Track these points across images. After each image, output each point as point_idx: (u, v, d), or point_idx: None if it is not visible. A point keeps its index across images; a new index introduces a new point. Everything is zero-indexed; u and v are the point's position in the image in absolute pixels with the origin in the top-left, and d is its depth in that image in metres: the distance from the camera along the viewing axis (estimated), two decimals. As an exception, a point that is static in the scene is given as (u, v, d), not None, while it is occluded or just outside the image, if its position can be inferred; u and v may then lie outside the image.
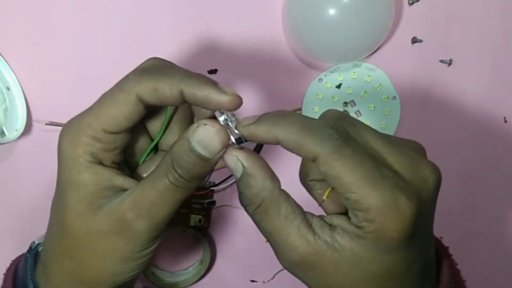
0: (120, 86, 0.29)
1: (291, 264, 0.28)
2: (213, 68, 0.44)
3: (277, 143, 0.27)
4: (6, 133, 0.42)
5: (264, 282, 0.47)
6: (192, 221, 0.43)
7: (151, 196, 0.28)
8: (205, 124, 0.27)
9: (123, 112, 0.28)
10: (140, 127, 0.32)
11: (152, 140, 0.33)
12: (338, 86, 0.44)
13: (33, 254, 0.33)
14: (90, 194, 0.28)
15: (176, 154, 0.28)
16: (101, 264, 0.29)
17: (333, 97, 0.45)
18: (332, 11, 0.39)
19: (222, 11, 0.43)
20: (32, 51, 0.43)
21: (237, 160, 0.28)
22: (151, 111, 0.31)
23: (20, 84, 0.43)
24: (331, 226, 0.27)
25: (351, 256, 0.26)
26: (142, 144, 0.33)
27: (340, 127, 0.26)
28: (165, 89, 0.27)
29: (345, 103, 0.45)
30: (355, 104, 0.45)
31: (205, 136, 0.27)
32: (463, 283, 0.33)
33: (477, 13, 0.44)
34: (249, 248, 0.46)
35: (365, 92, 0.44)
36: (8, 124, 0.42)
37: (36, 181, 0.45)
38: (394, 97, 0.45)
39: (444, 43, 0.45)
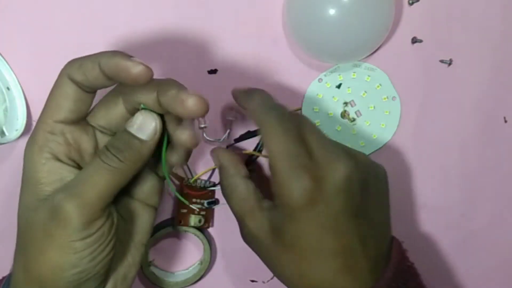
0: (58, 76, 0.31)
1: (246, 239, 0.37)
2: (213, 68, 0.44)
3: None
4: (6, 133, 0.42)
5: (264, 282, 0.47)
6: (192, 221, 0.43)
7: (82, 178, 0.29)
8: (143, 109, 0.31)
9: (62, 95, 0.30)
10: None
11: None
12: (338, 86, 0.45)
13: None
14: (43, 191, 0.30)
15: (114, 140, 0.30)
16: (43, 255, 0.29)
17: (333, 97, 0.45)
18: (332, 11, 0.39)
19: (222, 11, 0.43)
20: (32, 51, 0.43)
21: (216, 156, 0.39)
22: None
23: (20, 84, 0.43)
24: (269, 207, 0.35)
25: (270, 225, 0.34)
26: (145, 178, 0.36)
27: (291, 115, 0.35)
28: (88, 64, 0.29)
29: (345, 103, 0.45)
30: (355, 104, 0.45)
31: (137, 119, 0.30)
32: (413, 265, 0.37)
33: (477, 13, 0.44)
34: (249, 248, 0.46)
35: (365, 92, 0.44)
36: (8, 124, 0.42)
37: (36, 181, 0.45)
38: (394, 97, 0.45)
39: (444, 43, 0.45)
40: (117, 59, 0.28)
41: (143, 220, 0.35)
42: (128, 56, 0.29)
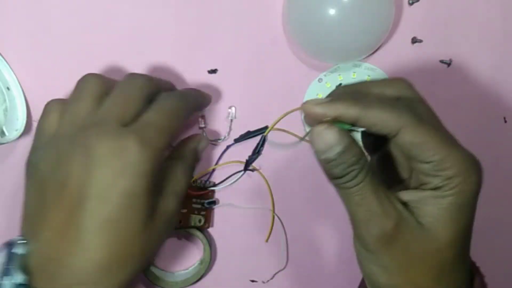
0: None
1: (376, 238, 0.29)
2: (213, 68, 0.44)
3: (356, 120, 0.29)
4: (6, 133, 0.42)
5: (264, 282, 0.47)
6: (192, 221, 0.43)
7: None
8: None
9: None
10: None
11: None
12: (338, 86, 0.44)
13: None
14: None
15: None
16: None
17: (333, 97, 0.45)
18: (332, 11, 0.39)
19: (222, 11, 0.43)
20: (32, 51, 0.43)
21: (339, 133, 0.28)
22: None
23: (20, 84, 0.43)
24: (402, 202, 0.30)
25: (431, 221, 0.29)
26: None
27: (416, 102, 0.31)
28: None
29: (345, 103, 0.45)
30: (355, 104, 0.45)
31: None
32: None
33: (477, 13, 0.44)
34: (249, 248, 0.46)
35: (365, 92, 0.44)
36: (8, 124, 0.42)
37: (36, 181, 0.45)
38: (394, 97, 0.45)
39: (444, 43, 0.45)
40: None
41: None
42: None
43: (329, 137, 0.28)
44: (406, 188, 0.32)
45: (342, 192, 0.29)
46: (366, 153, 0.30)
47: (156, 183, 0.31)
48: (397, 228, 0.28)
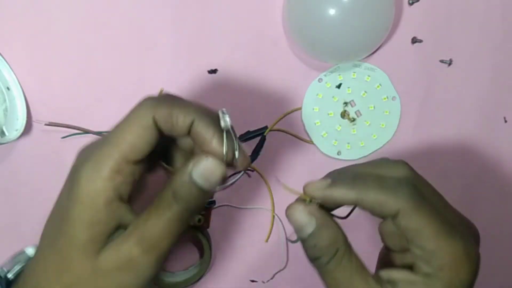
0: (136, 113, 0.28)
1: None
2: (213, 68, 0.44)
3: (355, 203, 0.28)
4: (6, 133, 0.42)
5: (264, 282, 0.47)
6: (191, 221, 0.43)
7: (155, 231, 0.28)
8: (207, 158, 0.28)
9: (142, 137, 0.28)
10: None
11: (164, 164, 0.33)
12: (338, 86, 0.45)
13: (4, 284, 0.31)
14: (100, 233, 0.28)
15: (177, 187, 0.28)
16: None
17: (333, 97, 0.45)
18: (332, 11, 0.39)
19: (222, 11, 0.43)
20: (32, 51, 0.43)
21: (309, 214, 0.28)
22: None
23: (20, 84, 0.43)
24: (391, 281, 0.28)
25: None
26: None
27: (416, 185, 0.29)
28: (179, 117, 0.28)
29: (345, 103, 0.45)
30: (355, 104, 0.45)
31: (205, 169, 0.28)
32: None
33: (477, 13, 0.44)
34: (249, 248, 0.46)
35: (365, 92, 0.44)
36: (8, 124, 0.42)
37: (36, 181, 0.45)
38: (394, 97, 0.45)
39: (444, 43, 0.45)
40: (210, 135, 0.28)
41: None
42: (221, 136, 0.28)
43: (299, 217, 0.28)
44: (396, 260, 0.31)
45: (317, 270, 0.29)
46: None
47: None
48: None
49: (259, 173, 0.45)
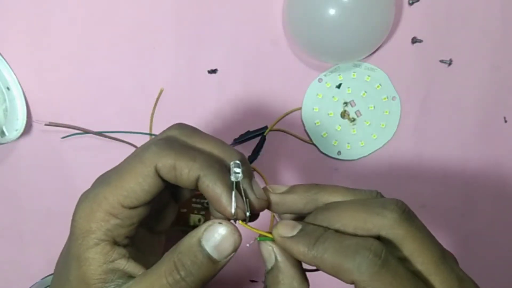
0: (139, 157, 0.27)
1: None
2: (213, 68, 0.44)
3: (316, 266, 0.26)
4: (6, 133, 0.42)
5: (264, 282, 0.47)
6: (192, 221, 0.43)
7: None
8: (220, 223, 0.26)
9: (141, 185, 0.27)
10: (164, 194, 0.31)
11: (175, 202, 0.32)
12: (338, 86, 0.45)
13: None
14: (90, 273, 0.27)
15: (183, 252, 0.26)
16: None
17: (333, 97, 0.45)
18: (332, 11, 0.39)
19: (222, 11, 0.43)
20: (32, 51, 0.43)
21: (271, 251, 0.27)
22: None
23: (20, 84, 0.43)
24: None
25: None
26: (167, 211, 0.32)
27: (379, 248, 0.24)
28: (184, 171, 0.26)
29: (345, 103, 0.45)
30: (355, 104, 0.45)
31: (217, 236, 0.26)
32: None
33: (477, 13, 0.44)
34: (249, 248, 0.46)
35: (365, 92, 0.44)
36: (8, 124, 0.42)
37: (36, 181, 0.45)
38: (394, 97, 0.45)
39: (444, 43, 0.45)
40: (219, 191, 0.26)
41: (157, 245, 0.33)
42: (229, 191, 0.26)
43: (264, 251, 0.28)
44: None
45: None
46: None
47: None
48: None
49: (259, 173, 0.45)
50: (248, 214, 0.26)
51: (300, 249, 0.25)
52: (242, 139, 0.44)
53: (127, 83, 0.44)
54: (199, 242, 0.26)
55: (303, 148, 0.45)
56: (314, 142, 0.45)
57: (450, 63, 0.45)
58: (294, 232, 0.26)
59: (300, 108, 0.45)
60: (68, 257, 0.27)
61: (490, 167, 0.47)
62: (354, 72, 0.44)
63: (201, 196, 0.44)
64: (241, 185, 0.26)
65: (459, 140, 0.46)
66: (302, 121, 0.45)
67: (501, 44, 0.45)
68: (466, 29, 0.45)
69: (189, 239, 0.26)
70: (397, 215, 0.25)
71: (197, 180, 0.26)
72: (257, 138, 0.44)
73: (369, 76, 0.44)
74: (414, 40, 0.44)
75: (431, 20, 0.44)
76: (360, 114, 0.45)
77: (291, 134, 0.45)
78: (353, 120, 0.45)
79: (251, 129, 0.44)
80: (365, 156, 0.45)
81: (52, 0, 0.42)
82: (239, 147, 0.45)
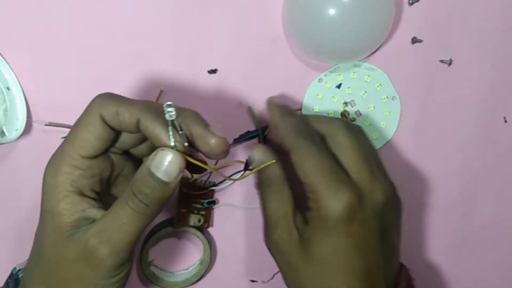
0: (86, 109, 0.31)
1: (271, 242, 0.36)
2: (213, 68, 0.44)
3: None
4: (6, 133, 0.42)
5: (263, 282, 0.47)
6: (192, 221, 0.43)
7: (112, 223, 0.29)
8: (163, 150, 0.29)
9: (92, 133, 0.30)
10: (122, 156, 0.34)
11: (139, 163, 0.34)
12: (338, 86, 0.45)
13: (14, 280, 0.34)
14: (64, 223, 0.30)
15: (136, 180, 0.30)
16: None
17: (333, 97, 0.45)
18: (332, 11, 0.39)
19: (222, 11, 0.43)
20: (32, 51, 0.43)
21: (262, 152, 0.36)
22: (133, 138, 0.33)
23: (20, 84, 0.43)
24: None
25: (300, 235, 0.34)
26: (128, 170, 0.35)
27: (315, 135, 0.35)
28: (125, 115, 0.29)
29: (345, 103, 0.45)
30: (355, 104, 0.45)
31: (163, 161, 0.29)
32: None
33: (477, 13, 0.44)
34: (249, 248, 0.46)
35: (365, 92, 0.44)
36: (8, 124, 0.42)
37: (36, 181, 0.45)
38: (394, 97, 0.45)
39: (444, 43, 0.45)
40: (158, 130, 0.29)
41: None
42: (167, 129, 0.29)
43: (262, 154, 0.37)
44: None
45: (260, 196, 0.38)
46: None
47: None
48: (282, 239, 0.35)
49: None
50: (186, 144, 0.30)
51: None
52: (242, 139, 0.44)
53: (127, 83, 0.44)
54: (149, 170, 0.29)
55: (303, 148, 0.45)
56: (314, 142, 0.45)
57: (450, 63, 0.45)
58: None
59: (300, 108, 0.45)
60: (42, 212, 0.31)
61: (490, 167, 0.47)
62: (354, 72, 0.44)
63: (201, 196, 0.44)
64: (176, 122, 0.29)
65: (459, 140, 0.46)
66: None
67: (501, 44, 0.45)
68: (466, 29, 0.45)
69: (141, 170, 0.30)
70: (342, 124, 0.36)
71: (138, 122, 0.29)
72: (257, 138, 0.44)
73: (369, 76, 0.44)
74: (414, 40, 0.44)
75: (431, 20, 0.44)
76: (360, 114, 0.45)
77: (291, 134, 0.45)
78: (353, 120, 0.45)
79: (251, 129, 0.44)
80: (365, 156, 0.45)
81: (52, 0, 0.42)
82: (239, 147, 0.45)
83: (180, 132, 0.30)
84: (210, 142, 0.30)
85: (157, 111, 0.30)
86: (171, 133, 0.29)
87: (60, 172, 0.30)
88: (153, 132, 0.29)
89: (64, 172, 0.30)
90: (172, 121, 0.29)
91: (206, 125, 0.31)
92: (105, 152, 0.32)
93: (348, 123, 0.37)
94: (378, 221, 0.33)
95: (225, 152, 0.31)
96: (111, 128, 0.30)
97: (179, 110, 0.30)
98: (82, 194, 0.30)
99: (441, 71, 0.45)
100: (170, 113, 0.28)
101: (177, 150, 0.29)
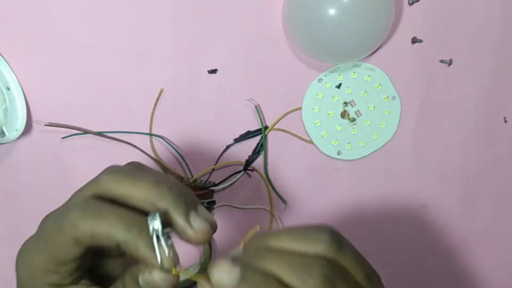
0: (59, 226, 0.27)
1: None
2: (213, 68, 0.44)
3: None
4: (6, 133, 0.42)
5: None
6: (192, 221, 0.43)
7: None
8: (150, 273, 0.27)
9: (64, 252, 0.27)
10: None
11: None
12: (338, 86, 0.45)
13: None
14: None
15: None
16: None
17: (333, 97, 0.45)
18: (332, 11, 0.39)
19: (222, 11, 0.43)
20: (32, 51, 0.43)
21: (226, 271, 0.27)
22: None
23: (20, 84, 0.43)
24: None
25: None
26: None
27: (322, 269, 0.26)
28: (103, 239, 0.26)
29: (345, 103, 0.45)
30: (355, 104, 0.45)
31: (153, 279, 0.27)
32: None
33: (477, 13, 0.44)
34: (249, 248, 0.46)
35: (365, 92, 0.44)
36: (8, 124, 0.42)
37: (36, 181, 0.45)
38: (394, 97, 0.45)
39: (444, 43, 0.45)
40: (142, 254, 0.26)
41: None
42: (153, 251, 0.26)
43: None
44: None
45: None
46: None
47: None
48: None
49: (259, 173, 0.45)
50: (178, 259, 0.28)
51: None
52: (242, 139, 0.44)
53: (127, 83, 0.44)
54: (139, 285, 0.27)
55: (303, 148, 0.45)
56: (314, 142, 0.45)
57: (450, 63, 0.45)
58: (233, 278, 0.27)
59: (300, 108, 0.45)
60: None
61: (490, 167, 0.47)
62: (354, 72, 0.44)
63: (200, 196, 0.44)
64: (162, 236, 0.27)
65: (459, 140, 0.46)
66: (302, 121, 0.45)
67: (501, 44, 0.45)
68: (466, 29, 0.45)
69: (129, 283, 0.28)
70: (330, 239, 0.26)
71: (118, 245, 0.26)
72: (257, 138, 0.44)
73: (369, 76, 0.44)
74: (414, 40, 0.44)
75: (431, 20, 0.44)
76: (360, 114, 0.45)
77: (291, 134, 0.45)
78: (353, 120, 0.45)
79: (251, 129, 0.44)
80: (365, 156, 0.45)
81: (52, 0, 0.42)
82: (239, 147, 0.45)
83: (168, 242, 0.27)
84: (189, 236, 0.28)
85: (138, 227, 0.26)
86: (158, 253, 0.27)
87: (34, 276, 0.28)
88: (136, 255, 0.26)
89: (40, 275, 0.28)
90: (157, 234, 0.26)
91: (186, 214, 0.28)
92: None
93: (333, 234, 0.27)
94: None
95: (207, 241, 0.28)
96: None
97: (160, 197, 0.27)
98: (62, 285, 0.28)
99: (441, 71, 0.45)
100: (155, 230, 0.26)
101: (166, 269, 0.27)
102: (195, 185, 0.44)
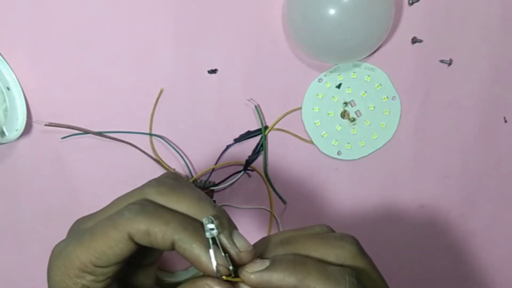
0: (113, 221, 0.27)
1: None
2: (213, 68, 0.44)
3: None
4: (6, 133, 0.42)
5: None
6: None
7: None
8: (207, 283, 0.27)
9: (113, 249, 0.27)
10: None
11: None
12: (338, 86, 0.45)
13: None
14: None
15: None
16: None
17: (333, 97, 0.45)
18: (332, 11, 0.39)
19: (222, 11, 0.43)
20: (32, 51, 0.43)
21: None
22: None
23: (20, 84, 0.43)
24: None
25: None
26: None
27: (360, 276, 0.27)
28: (158, 236, 0.26)
29: (345, 103, 0.45)
30: (355, 104, 0.45)
31: None
32: None
33: (477, 13, 0.44)
34: (249, 248, 0.46)
35: (365, 92, 0.44)
36: (8, 124, 0.42)
37: (36, 181, 0.45)
38: (394, 97, 0.45)
39: (444, 43, 0.45)
40: (196, 253, 0.26)
41: None
42: (207, 251, 0.26)
43: None
44: None
45: None
46: None
47: None
48: None
49: (259, 173, 0.45)
50: (231, 268, 0.26)
51: (280, 276, 0.26)
52: (242, 139, 0.44)
53: (127, 83, 0.44)
54: None
55: (303, 148, 0.45)
56: (314, 142, 0.45)
57: (450, 63, 0.45)
58: (267, 263, 0.27)
59: (300, 108, 0.45)
60: None
61: (490, 167, 0.47)
62: (354, 72, 0.44)
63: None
64: (217, 240, 0.26)
65: (459, 140, 0.46)
66: (302, 121, 0.45)
67: (501, 44, 0.45)
68: (466, 29, 0.45)
69: None
70: (356, 249, 0.28)
71: (173, 244, 0.26)
72: (257, 138, 0.44)
73: (369, 76, 0.44)
74: (414, 40, 0.44)
75: (431, 20, 0.44)
76: (360, 114, 0.45)
77: (291, 134, 0.45)
78: (353, 120, 0.45)
79: (251, 129, 0.44)
80: (365, 156, 0.45)
81: (52, 0, 0.42)
82: (239, 147, 0.45)
83: (223, 253, 0.26)
84: (232, 254, 0.27)
85: (194, 227, 0.27)
86: (213, 256, 0.26)
87: (68, 276, 0.27)
88: (191, 255, 0.26)
89: (74, 275, 0.27)
90: (214, 238, 0.26)
91: (230, 233, 0.27)
92: None
93: (357, 243, 0.29)
94: None
95: (249, 260, 0.28)
96: (139, 244, 0.27)
97: (205, 214, 0.27)
98: None
99: (441, 71, 0.45)
100: (211, 231, 0.26)
101: (221, 277, 0.26)
102: (195, 185, 0.44)
